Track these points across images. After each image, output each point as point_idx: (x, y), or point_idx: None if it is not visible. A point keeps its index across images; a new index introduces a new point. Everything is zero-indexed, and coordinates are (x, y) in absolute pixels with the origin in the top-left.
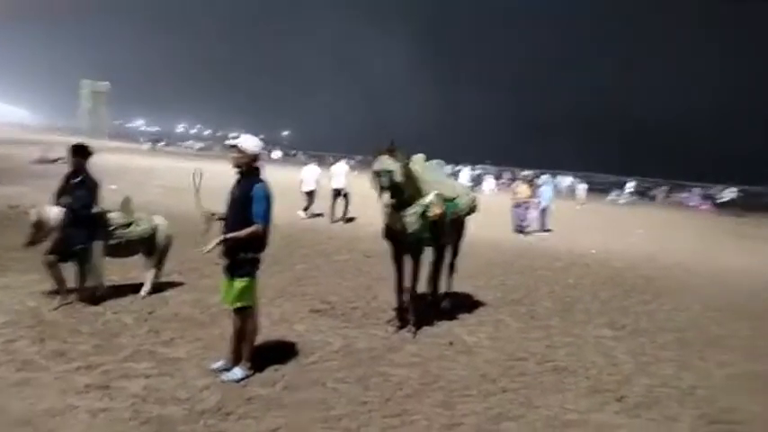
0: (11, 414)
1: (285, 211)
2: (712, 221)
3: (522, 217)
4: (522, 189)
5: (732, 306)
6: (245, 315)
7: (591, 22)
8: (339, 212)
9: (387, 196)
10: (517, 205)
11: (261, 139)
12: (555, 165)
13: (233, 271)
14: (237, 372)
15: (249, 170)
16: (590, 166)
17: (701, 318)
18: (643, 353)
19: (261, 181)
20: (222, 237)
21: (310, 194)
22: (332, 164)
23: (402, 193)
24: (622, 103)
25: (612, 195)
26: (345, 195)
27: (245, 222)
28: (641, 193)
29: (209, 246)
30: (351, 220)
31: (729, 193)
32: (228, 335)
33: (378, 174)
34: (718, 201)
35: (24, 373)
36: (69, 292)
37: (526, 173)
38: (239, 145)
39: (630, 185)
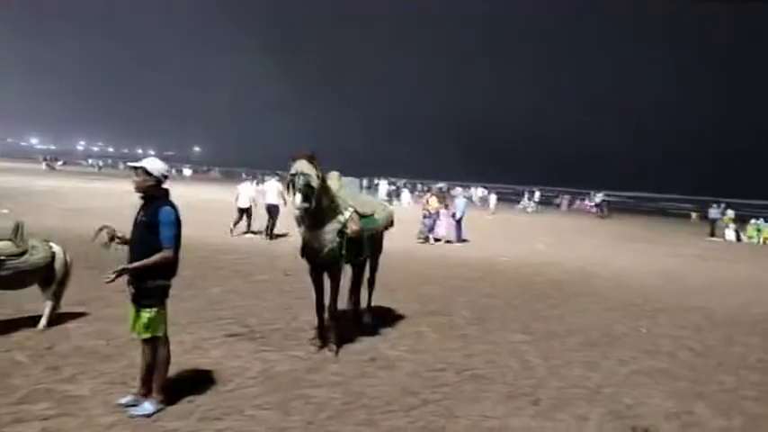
0: None
1: (203, 231)
2: (605, 226)
3: (431, 227)
4: (433, 200)
5: (630, 305)
6: (154, 345)
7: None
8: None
9: (299, 198)
10: (427, 215)
11: (171, 156)
12: (467, 177)
13: (140, 300)
14: (148, 406)
15: (155, 193)
16: (499, 179)
17: (603, 318)
18: (554, 356)
19: (167, 204)
20: (124, 265)
21: (246, 211)
22: (260, 181)
23: (319, 206)
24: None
25: (521, 204)
26: (273, 212)
27: (152, 248)
28: (547, 201)
29: (111, 275)
30: (279, 236)
31: (599, 197)
32: (137, 366)
33: (294, 176)
34: (593, 203)
35: None
36: None
37: (439, 185)
38: (145, 167)
39: (537, 195)
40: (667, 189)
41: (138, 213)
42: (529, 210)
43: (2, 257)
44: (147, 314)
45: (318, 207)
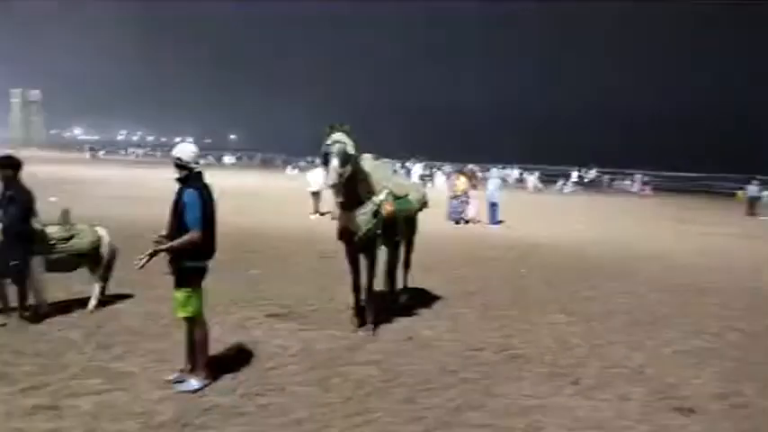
0: None
1: (248, 217)
2: (651, 207)
3: (459, 209)
4: (461, 182)
5: (675, 286)
6: (192, 324)
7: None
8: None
9: (335, 162)
10: (454, 197)
11: (208, 144)
12: (502, 158)
13: (176, 281)
14: (193, 382)
15: (186, 177)
16: (535, 159)
17: (646, 298)
18: (595, 336)
19: (191, 187)
20: (154, 249)
21: (317, 195)
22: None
23: (354, 189)
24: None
25: (558, 185)
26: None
27: (182, 231)
28: (586, 181)
29: (143, 258)
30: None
31: (593, 173)
32: (183, 345)
33: (329, 145)
34: (586, 180)
35: None
36: (11, 311)
37: (470, 166)
38: (180, 157)
39: (575, 175)
40: (709, 168)
41: (174, 199)
42: (566, 190)
43: (52, 241)
44: (182, 294)
45: (353, 188)
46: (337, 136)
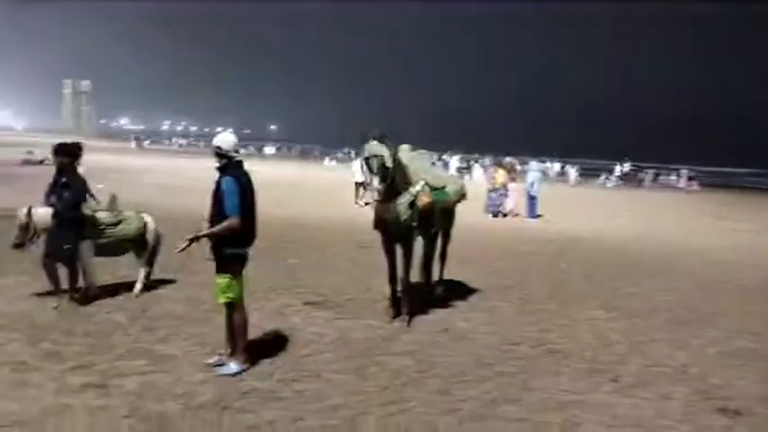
0: (8, 415)
1: (288, 207)
2: (695, 203)
3: (498, 202)
4: (499, 174)
5: (720, 284)
6: (232, 310)
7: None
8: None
9: (377, 180)
10: (493, 189)
11: (247, 134)
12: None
13: (218, 267)
14: (232, 366)
15: (226, 166)
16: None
17: (690, 296)
18: (636, 333)
19: (230, 175)
20: (194, 235)
21: (361, 185)
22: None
23: (392, 181)
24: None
25: (601, 179)
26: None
27: (222, 218)
28: (629, 176)
29: (183, 244)
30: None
31: (627, 167)
32: (223, 330)
33: (367, 159)
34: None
35: (20, 374)
36: (63, 293)
37: (507, 159)
38: (221, 146)
39: (618, 169)
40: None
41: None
42: (609, 185)
43: (101, 226)
44: (223, 280)
45: (391, 181)
46: (375, 148)
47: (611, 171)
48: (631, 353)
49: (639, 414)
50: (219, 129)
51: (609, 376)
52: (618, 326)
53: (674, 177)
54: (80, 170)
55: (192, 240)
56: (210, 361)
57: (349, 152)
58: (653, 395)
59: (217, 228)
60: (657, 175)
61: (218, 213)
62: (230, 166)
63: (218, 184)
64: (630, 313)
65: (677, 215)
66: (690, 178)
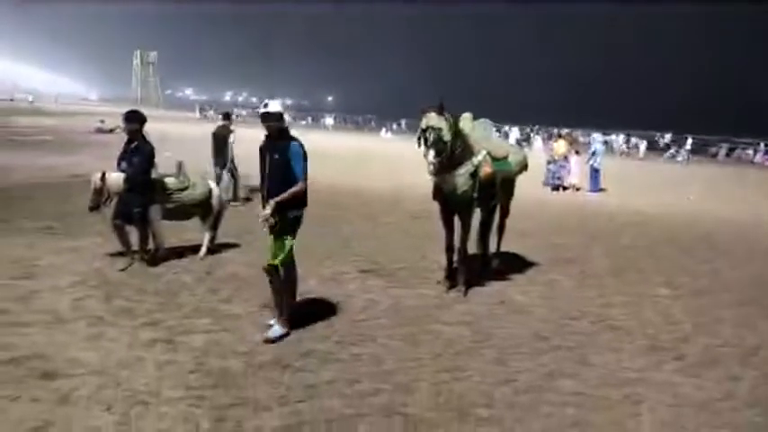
0: (86, 365)
1: (336, 176)
2: None
3: (558, 174)
4: (559, 145)
5: None
6: (285, 271)
7: None
8: None
9: (432, 153)
10: (552, 161)
11: (305, 106)
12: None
13: (279, 230)
14: (278, 329)
15: (281, 132)
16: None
17: (763, 275)
18: (702, 312)
19: (296, 140)
20: (275, 199)
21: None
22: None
23: (452, 152)
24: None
25: (669, 153)
26: None
27: (288, 182)
28: (701, 151)
29: (267, 211)
30: None
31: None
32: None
33: (425, 130)
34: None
35: (95, 328)
36: (134, 254)
37: (566, 130)
38: (280, 111)
39: (689, 142)
40: None
41: (267, 152)
42: (679, 159)
43: (169, 191)
44: (283, 242)
45: (451, 150)
46: (432, 120)
47: (681, 144)
48: (696, 332)
49: (704, 395)
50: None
51: (673, 354)
52: (683, 304)
53: (750, 152)
54: (148, 138)
55: (276, 207)
56: (270, 322)
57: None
58: (719, 376)
59: (289, 192)
60: (732, 149)
61: (279, 178)
62: (287, 131)
63: (281, 149)
64: (696, 292)
65: (752, 191)
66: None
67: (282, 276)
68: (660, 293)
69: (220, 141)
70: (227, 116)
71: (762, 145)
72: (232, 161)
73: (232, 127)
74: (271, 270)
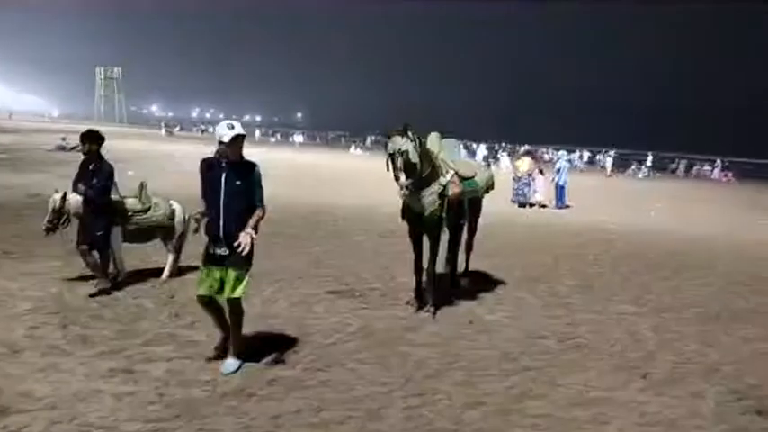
0: (39, 398)
1: (303, 192)
2: (731, 194)
3: (521, 191)
4: (522, 162)
5: (757, 280)
6: (236, 304)
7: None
8: None
9: (403, 177)
10: (517, 179)
11: (276, 122)
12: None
13: (236, 261)
14: (235, 362)
15: (241, 155)
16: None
17: (725, 292)
18: (667, 329)
19: (256, 164)
20: (248, 231)
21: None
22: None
23: (420, 172)
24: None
25: (631, 170)
26: None
27: (247, 209)
28: (661, 167)
29: (247, 241)
30: None
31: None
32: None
33: (392, 155)
34: (715, 169)
35: (50, 358)
36: (106, 278)
37: (528, 148)
38: (241, 132)
39: (649, 160)
40: None
41: (221, 176)
42: (640, 175)
43: (130, 213)
44: (241, 272)
45: (420, 171)
46: (398, 144)
47: (641, 161)
48: (661, 349)
49: (670, 413)
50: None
51: (638, 372)
52: (647, 321)
53: (707, 168)
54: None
55: (252, 237)
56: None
57: (377, 139)
58: (684, 393)
59: (257, 220)
60: (691, 165)
61: (239, 204)
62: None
63: (243, 173)
64: (661, 308)
65: (711, 207)
66: (724, 169)
67: (236, 308)
68: (625, 310)
69: None
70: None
71: (718, 161)
72: None
73: None
74: (213, 303)
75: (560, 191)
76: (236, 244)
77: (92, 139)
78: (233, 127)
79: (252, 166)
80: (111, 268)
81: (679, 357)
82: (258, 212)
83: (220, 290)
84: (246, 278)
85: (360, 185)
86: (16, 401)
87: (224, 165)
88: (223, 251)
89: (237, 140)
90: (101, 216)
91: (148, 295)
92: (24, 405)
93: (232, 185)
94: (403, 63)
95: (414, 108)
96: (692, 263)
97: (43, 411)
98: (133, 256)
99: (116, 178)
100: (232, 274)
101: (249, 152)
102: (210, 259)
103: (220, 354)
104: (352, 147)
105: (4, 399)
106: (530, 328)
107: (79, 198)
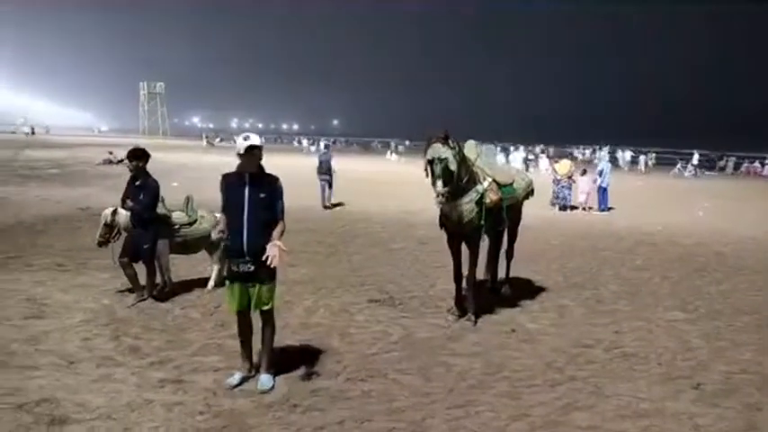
0: (94, 409)
1: (352, 202)
2: None
3: (562, 194)
4: (561, 165)
5: None
6: (268, 317)
7: None
8: None
9: (440, 184)
10: (556, 181)
11: (312, 130)
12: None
13: (265, 274)
14: (270, 380)
15: (260, 167)
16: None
17: None
18: (719, 337)
19: (279, 178)
20: (275, 242)
21: None
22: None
23: (458, 180)
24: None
25: (677, 169)
26: None
27: (269, 222)
28: (708, 165)
29: (275, 254)
30: None
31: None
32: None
33: (431, 162)
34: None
35: (103, 368)
36: (142, 290)
37: (568, 149)
38: (253, 142)
39: (696, 157)
40: None
41: (242, 188)
42: (686, 174)
43: (177, 226)
44: (269, 287)
45: (457, 179)
46: (438, 151)
47: (688, 159)
48: (714, 358)
49: (725, 426)
50: (284, 126)
51: (690, 383)
52: (698, 328)
53: (757, 164)
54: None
55: (281, 249)
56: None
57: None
58: (739, 405)
59: (280, 230)
60: (740, 162)
61: (262, 216)
62: (262, 167)
63: (265, 185)
64: (712, 315)
65: (763, 206)
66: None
67: (269, 320)
68: (674, 317)
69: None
70: (327, 146)
71: None
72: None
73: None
74: (247, 317)
75: (603, 193)
76: (264, 257)
77: (138, 157)
78: (248, 138)
79: (275, 179)
80: (158, 279)
81: (732, 367)
82: (281, 225)
83: (249, 303)
84: (272, 290)
85: (398, 190)
86: (74, 412)
87: (246, 178)
88: (248, 268)
89: (253, 151)
90: (148, 230)
91: (195, 306)
92: (81, 415)
93: (256, 198)
94: (430, 68)
95: (452, 114)
96: (745, 266)
97: (98, 421)
98: (178, 266)
99: (161, 191)
100: (262, 288)
101: (274, 161)
102: (236, 276)
103: (250, 370)
104: (388, 152)
105: (61, 409)
106: (574, 336)
107: (127, 213)
